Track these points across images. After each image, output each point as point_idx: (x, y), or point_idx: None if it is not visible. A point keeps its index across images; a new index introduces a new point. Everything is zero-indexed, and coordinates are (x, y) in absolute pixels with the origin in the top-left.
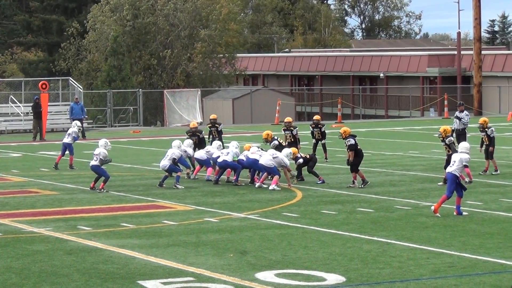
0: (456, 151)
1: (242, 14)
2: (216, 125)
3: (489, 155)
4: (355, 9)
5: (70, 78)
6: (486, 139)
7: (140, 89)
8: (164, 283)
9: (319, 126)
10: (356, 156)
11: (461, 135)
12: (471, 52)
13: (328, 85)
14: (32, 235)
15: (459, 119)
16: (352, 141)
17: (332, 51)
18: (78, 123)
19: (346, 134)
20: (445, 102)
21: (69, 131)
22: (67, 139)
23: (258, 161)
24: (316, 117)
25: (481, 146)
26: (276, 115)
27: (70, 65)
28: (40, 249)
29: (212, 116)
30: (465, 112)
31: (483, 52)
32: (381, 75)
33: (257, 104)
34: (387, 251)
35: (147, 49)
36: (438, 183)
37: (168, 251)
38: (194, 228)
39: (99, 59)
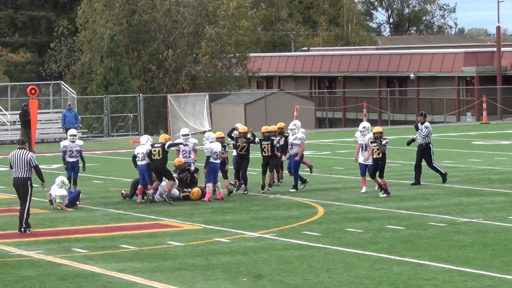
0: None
1: (254, 9)
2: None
3: (380, 172)
4: (383, 2)
5: (62, 82)
6: (377, 152)
7: (140, 94)
8: None
9: (271, 139)
10: None
11: None
12: None
13: (352, 87)
14: (21, 258)
15: None
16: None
17: (356, 49)
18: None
19: None
20: (484, 105)
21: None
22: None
23: None
24: (265, 128)
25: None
26: None
27: (61, 68)
28: (30, 275)
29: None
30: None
31: None
32: (412, 75)
33: (273, 110)
34: (420, 274)
35: (147, 50)
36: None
37: (174, 275)
38: (203, 249)
39: (94, 61)
